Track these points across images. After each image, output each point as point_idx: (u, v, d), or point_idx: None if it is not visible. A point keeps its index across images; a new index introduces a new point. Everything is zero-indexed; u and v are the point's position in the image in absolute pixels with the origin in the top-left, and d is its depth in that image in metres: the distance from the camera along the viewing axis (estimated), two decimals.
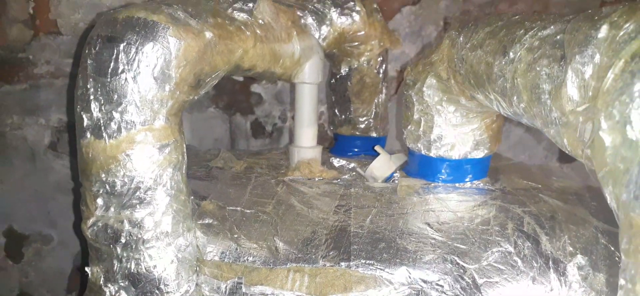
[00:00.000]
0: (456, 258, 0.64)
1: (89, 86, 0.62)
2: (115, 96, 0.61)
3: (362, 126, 1.10)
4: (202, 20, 0.66)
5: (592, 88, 0.41)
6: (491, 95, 0.62)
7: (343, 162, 0.98)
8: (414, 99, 0.81)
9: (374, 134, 1.11)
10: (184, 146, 0.68)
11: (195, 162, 0.97)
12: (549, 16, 0.55)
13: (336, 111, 1.13)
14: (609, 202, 0.41)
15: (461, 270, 0.63)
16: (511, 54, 0.55)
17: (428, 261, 0.64)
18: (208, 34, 0.65)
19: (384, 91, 1.10)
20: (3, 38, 1.17)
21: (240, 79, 1.36)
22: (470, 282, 0.62)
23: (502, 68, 0.57)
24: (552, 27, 0.51)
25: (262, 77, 0.83)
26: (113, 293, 0.65)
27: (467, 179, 0.83)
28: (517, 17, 0.61)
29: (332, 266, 0.65)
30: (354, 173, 0.93)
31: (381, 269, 0.63)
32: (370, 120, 1.10)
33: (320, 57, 0.90)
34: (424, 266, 0.63)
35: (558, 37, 0.49)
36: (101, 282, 0.66)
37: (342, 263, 0.64)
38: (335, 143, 1.16)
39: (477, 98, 0.68)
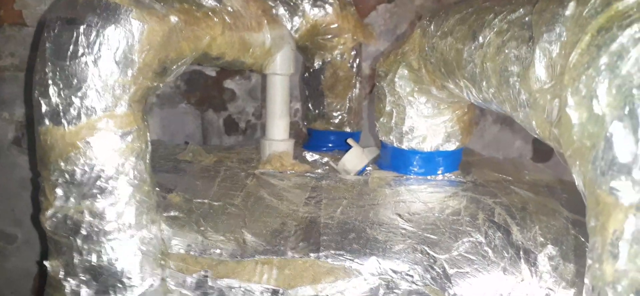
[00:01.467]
0: (426, 248, 0.63)
1: (47, 70, 0.59)
2: (75, 81, 0.58)
3: (336, 120, 1.09)
4: (168, 4, 0.64)
5: (559, 66, 0.40)
6: (461, 82, 0.61)
7: (316, 156, 0.97)
8: (386, 91, 0.80)
9: (347, 129, 1.10)
10: (148, 134, 0.66)
11: (163, 156, 0.95)
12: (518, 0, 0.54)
13: (310, 105, 1.11)
14: (576, 183, 0.40)
15: (431, 260, 0.62)
16: (480, 38, 0.55)
17: (398, 251, 0.62)
18: (173, 19, 0.63)
19: (357, 85, 1.09)
20: None
21: (213, 73, 1.34)
22: (441, 272, 0.61)
23: (472, 53, 0.56)
24: (521, 9, 0.51)
25: (232, 66, 0.81)
26: (73, 287, 0.63)
27: (438, 172, 0.83)
28: (487, 3, 0.61)
29: (301, 257, 0.63)
30: (327, 167, 0.91)
31: (351, 259, 0.62)
32: (344, 114, 1.09)
33: (291, 48, 0.88)
34: (394, 256, 0.62)
35: (527, 18, 0.48)
36: (61, 276, 0.64)
37: (311, 254, 0.63)
38: (309, 138, 1.14)
39: (448, 87, 0.67)
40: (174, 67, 0.67)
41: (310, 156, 0.97)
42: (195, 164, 0.90)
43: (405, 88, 0.77)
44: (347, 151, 0.90)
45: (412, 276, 0.61)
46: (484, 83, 0.55)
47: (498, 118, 1.50)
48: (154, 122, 1.35)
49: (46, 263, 0.66)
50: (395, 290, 0.61)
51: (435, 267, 0.62)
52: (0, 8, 1.15)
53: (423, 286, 0.61)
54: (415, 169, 0.82)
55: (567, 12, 0.40)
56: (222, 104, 1.36)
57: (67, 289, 0.63)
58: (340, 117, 1.08)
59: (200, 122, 1.38)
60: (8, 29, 1.15)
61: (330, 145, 1.09)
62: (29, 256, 1.30)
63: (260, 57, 0.82)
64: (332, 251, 0.63)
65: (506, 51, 0.49)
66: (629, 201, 0.33)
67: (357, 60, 1.07)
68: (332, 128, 1.10)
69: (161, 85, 0.67)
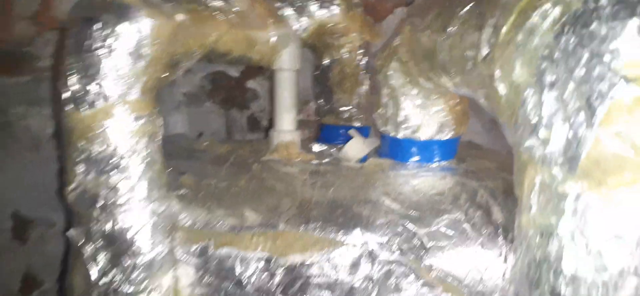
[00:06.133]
0: (407, 223, 0.68)
1: (69, 62, 0.68)
2: (93, 70, 0.67)
3: (345, 115, 1.15)
4: (175, 4, 0.72)
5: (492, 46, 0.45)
6: (437, 72, 0.66)
7: (324, 147, 1.02)
8: (382, 83, 0.85)
9: (357, 124, 1.15)
10: (160, 120, 0.74)
11: (183, 147, 1.03)
12: None
13: (321, 101, 1.18)
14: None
15: (411, 234, 0.67)
16: (449, 29, 0.60)
17: (380, 225, 0.68)
18: (180, 17, 0.71)
19: (366, 82, 1.14)
20: (9, 33, 1.25)
21: (236, 74, 1.42)
22: (418, 244, 0.66)
23: (442, 44, 0.61)
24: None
25: (241, 61, 0.89)
26: (91, 252, 0.71)
27: (435, 160, 0.87)
28: None
29: (291, 230, 0.69)
30: (331, 156, 0.97)
31: (335, 231, 0.68)
32: (353, 110, 1.14)
33: (297, 46, 0.95)
34: (376, 229, 0.68)
35: (482, 7, 0.53)
36: (82, 243, 0.72)
37: (301, 227, 0.69)
38: (320, 133, 1.21)
39: (431, 78, 0.72)
40: (184, 61, 0.75)
41: (318, 147, 1.02)
42: (209, 152, 0.97)
43: (398, 80, 0.82)
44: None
45: (391, 246, 0.66)
46: (452, 71, 0.60)
47: None
48: (182, 119, 1.45)
49: (69, 231, 0.74)
50: (376, 260, 0.66)
51: (413, 240, 0.67)
52: (41, 14, 1.26)
53: (401, 256, 0.66)
54: (412, 157, 0.87)
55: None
56: (244, 102, 1.44)
57: (86, 254, 0.72)
58: (349, 112, 1.14)
59: (225, 120, 1.46)
60: (48, 34, 1.27)
61: (340, 139, 1.15)
62: (67, 241, 1.41)
63: (266, 54, 0.89)
64: (320, 223, 0.69)
65: (465, 38, 0.54)
66: (538, 156, 0.38)
67: (366, 58, 1.13)
68: (342, 123, 1.15)
69: (173, 77, 0.75)
